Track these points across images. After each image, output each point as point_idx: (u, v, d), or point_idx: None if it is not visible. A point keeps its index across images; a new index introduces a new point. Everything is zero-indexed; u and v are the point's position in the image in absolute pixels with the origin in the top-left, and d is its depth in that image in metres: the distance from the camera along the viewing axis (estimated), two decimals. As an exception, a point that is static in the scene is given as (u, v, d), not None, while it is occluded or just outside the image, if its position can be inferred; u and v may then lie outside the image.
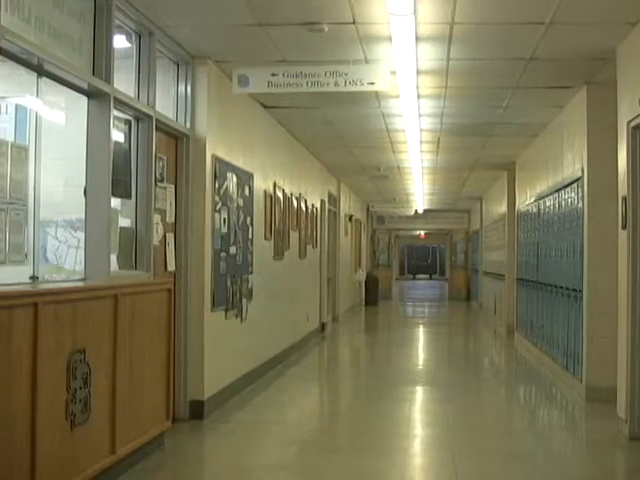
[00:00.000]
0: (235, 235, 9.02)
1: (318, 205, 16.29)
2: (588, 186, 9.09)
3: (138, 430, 5.98)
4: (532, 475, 6.24)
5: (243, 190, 9.35)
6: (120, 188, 6.59)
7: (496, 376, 12.34)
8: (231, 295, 8.89)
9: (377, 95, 9.67)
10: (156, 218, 7.20)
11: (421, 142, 13.22)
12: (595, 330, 8.91)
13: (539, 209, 12.61)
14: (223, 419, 8.02)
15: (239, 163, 9.20)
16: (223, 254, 8.55)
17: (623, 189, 7.37)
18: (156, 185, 7.17)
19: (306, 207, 14.36)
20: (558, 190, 10.89)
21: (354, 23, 6.91)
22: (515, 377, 12.35)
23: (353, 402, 9.96)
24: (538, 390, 10.71)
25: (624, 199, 7.31)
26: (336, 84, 7.57)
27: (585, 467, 6.68)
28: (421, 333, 19.55)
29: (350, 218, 22.76)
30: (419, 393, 10.29)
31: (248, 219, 9.62)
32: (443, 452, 6.97)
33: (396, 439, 7.51)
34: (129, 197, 6.83)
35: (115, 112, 6.30)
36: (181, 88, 7.98)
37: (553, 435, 7.88)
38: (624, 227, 7.34)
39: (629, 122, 7.19)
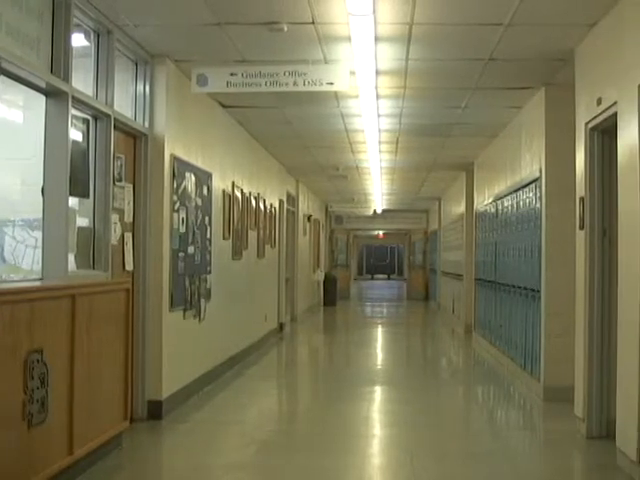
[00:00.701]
0: (193, 235, 8.98)
1: (277, 205, 16.27)
2: (546, 187, 9.15)
3: (96, 430, 5.94)
4: (490, 475, 6.27)
5: (201, 190, 9.31)
6: (78, 187, 6.54)
7: (454, 376, 12.40)
8: (189, 295, 8.85)
9: (336, 95, 9.67)
10: (114, 217, 7.16)
11: (380, 142, 13.25)
12: (552, 330, 8.97)
13: (497, 209, 12.68)
14: (181, 419, 7.99)
15: (198, 163, 9.17)
16: (181, 254, 8.52)
17: (581, 190, 7.43)
18: (114, 184, 7.12)
19: (265, 207, 14.34)
20: (516, 190, 10.95)
21: (313, 23, 6.91)
22: (473, 377, 12.41)
23: (312, 402, 9.96)
24: (496, 390, 10.77)
25: (581, 200, 7.37)
26: (295, 84, 7.56)
27: (543, 466, 6.71)
28: (379, 333, 19.58)
29: (309, 218, 22.77)
30: (378, 393, 10.29)
31: (206, 219, 9.58)
32: (401, 452, 7.00)
33: (354, 439, 7.52)
34: (87, 196, 6.79)
35: (73, 111, 6.25)
36: (140, 87, 7.93)
37: (511, 435, 7.93)
38: (581, 227, 7.40)
39: (587, 123, 7.25)
